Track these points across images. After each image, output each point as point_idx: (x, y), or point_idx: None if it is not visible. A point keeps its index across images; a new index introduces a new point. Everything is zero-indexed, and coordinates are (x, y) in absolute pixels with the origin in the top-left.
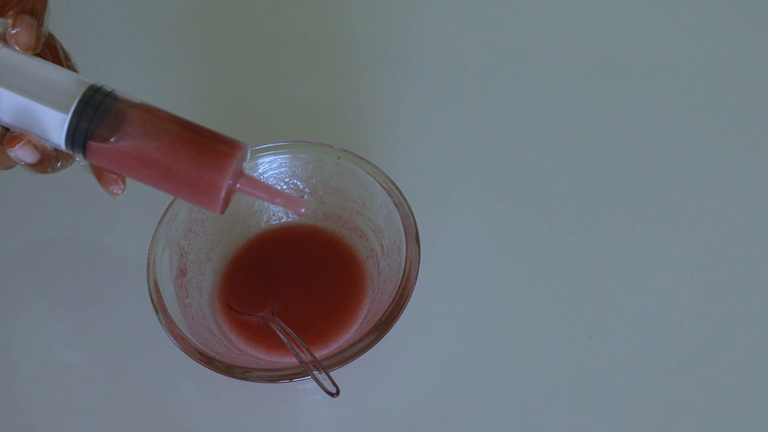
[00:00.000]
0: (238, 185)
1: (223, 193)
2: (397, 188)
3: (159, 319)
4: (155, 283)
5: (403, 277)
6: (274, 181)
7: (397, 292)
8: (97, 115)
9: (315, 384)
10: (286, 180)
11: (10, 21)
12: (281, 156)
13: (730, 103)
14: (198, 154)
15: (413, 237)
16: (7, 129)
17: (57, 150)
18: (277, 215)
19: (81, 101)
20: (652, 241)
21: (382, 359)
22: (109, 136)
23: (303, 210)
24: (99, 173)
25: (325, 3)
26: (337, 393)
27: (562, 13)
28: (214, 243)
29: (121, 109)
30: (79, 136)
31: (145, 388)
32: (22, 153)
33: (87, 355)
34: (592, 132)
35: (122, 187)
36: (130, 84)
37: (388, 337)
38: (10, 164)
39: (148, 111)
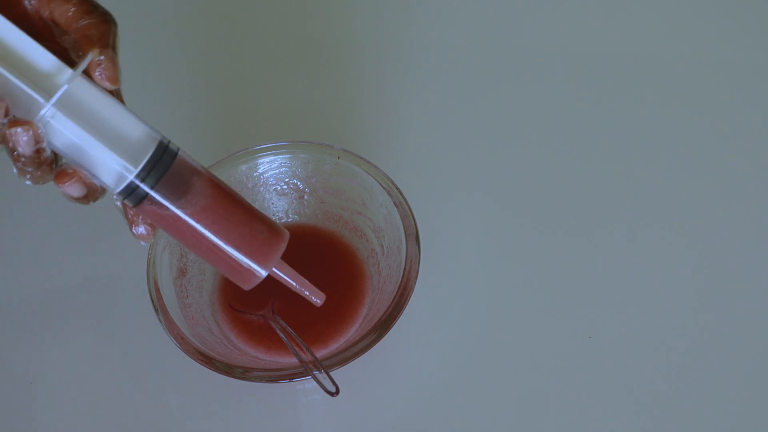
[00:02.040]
0: (273, 269)
1: (262, 279)
2: (397, 188)
3: (159, 319)
4: (155, 283)
5: (403, 277)
6: (274, 181)
7: (397, 292)
8: (163, 178)
9: (315, 384)
10: (286, 180)
11: (99, 56)
12: (281, 156)
13: (729, 102)
14: (249, 239)
15: (413, 237)
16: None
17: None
18: (277, 215)
19: (151, 159)
20: (651, 241)
21: (382, 359)
22: (169, 201)
23: (319, 302)
24: (133, 220)
25: (325, 3)
26: (337, 392)
27: (566, 16)
28: None
29: (185, 175)
30: (140, 192)
31: (145, 388)
32: (70, 189)
33: (86, 355)
34: (592, 132)
35: (152, 237)
36: (131, 84)
37: (388, 337)
38: (44, 182)
39: (211, 183)
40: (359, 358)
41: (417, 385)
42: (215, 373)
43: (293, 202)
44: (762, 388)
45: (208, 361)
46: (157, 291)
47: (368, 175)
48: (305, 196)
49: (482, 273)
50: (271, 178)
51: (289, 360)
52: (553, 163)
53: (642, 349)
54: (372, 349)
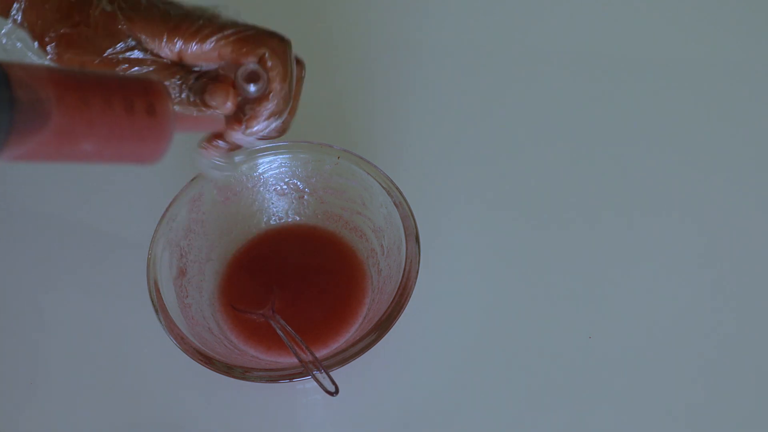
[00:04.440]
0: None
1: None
2: (397, 188)
3: (159, 319)
4: (155, 283)
5: (403, 277)
6: (274, 181)
7: (397, 292)
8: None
9: (315, 384)
10: (286, 180)
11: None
12: (281, 156)
13: (730, 96)
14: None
15: (413, 237)
16: None
17: None
18: (277, 215)
19: None
20: (651, 242)
21: (382, 359)
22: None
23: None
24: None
25: (325, 3)
26: (336, 392)
27: (568, 18)
28: (214, 243)
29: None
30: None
31: (145, 388)
32: None
33: (87, 355)
34: (592, 134)
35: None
36: None
37: (388, 337)
38: None
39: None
40: (359, 358)
41: (417, 385)
42: (215, 373)
43: (293, 202)
44: (763, 388)
45: (208, 361)
46: (157, 291)
47: (368, 175)
48: (305, 196)
49: (482, 273)
50: (271, 178)
51: (289, 360)
52: (553, 164)
53: (642, 349)
54: (372, 349)
